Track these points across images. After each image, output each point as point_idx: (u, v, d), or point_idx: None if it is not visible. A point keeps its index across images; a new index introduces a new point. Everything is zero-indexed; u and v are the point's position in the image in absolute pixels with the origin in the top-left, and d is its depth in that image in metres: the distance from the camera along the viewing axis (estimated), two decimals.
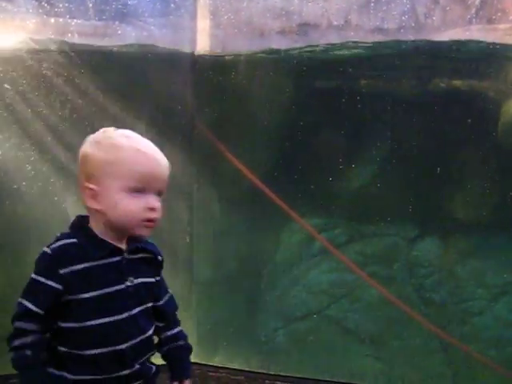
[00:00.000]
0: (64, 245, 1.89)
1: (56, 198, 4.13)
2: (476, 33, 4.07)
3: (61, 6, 4.13)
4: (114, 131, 1.97)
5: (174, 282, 4.57)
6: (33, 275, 1.89)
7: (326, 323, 4.59)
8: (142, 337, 1.98)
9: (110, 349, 1.90)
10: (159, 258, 2.10)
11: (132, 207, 1.90)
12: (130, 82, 4.27)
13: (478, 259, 4.36)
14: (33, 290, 1.89)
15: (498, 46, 4.03)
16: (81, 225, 1.96)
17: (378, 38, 4.17)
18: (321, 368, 4.44)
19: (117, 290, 1.91)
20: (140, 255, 2.01)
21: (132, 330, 1.96)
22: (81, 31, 4.19)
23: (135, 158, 1.90)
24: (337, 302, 4.58)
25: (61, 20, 4.15)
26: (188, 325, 4.52)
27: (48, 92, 4.10)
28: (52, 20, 4.13)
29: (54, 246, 1.89)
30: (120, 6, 4.26)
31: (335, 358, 4.48)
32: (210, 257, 4.65)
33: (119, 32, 4.28)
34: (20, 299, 1.91)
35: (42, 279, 1.87)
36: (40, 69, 4.09)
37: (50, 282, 1.86)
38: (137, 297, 1.98)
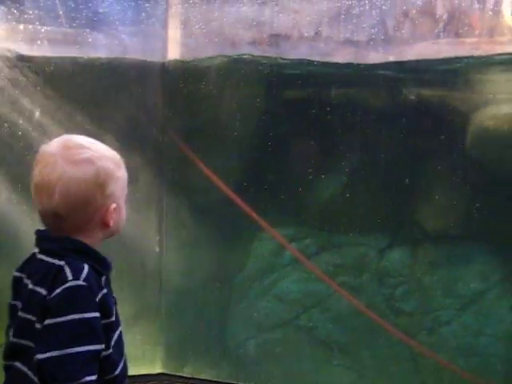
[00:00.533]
0: (89, 272, 1.72)
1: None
2: (444, 46, 4.14)
3: (31, 12, 4.09)
4: (87, 139, 1.85)
5: (142, 291, 4.58)
6: (76, 316, 1.64)
7: (297, 333, 4.58)
8: None
9: (123, 361, 1.83)
10: None
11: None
12: (99, 91, 4.25)
13: (447, 269, 4.40)
14: (89, 330, 1.65)
15: (465, 60, 4.10)
16: (81, 247, 1.80)
17: (349, 49, 4.21)
18: (291, 378, 4.43)
19: (115, 302, 1.84)
20: None
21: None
22: (51, 38, 4.15)
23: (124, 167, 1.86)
24: (307, 311, 4.58)
25: (30, 27, 4.11)
26: (157, 335, 4.49)
27: (16, 99, 4.06)
28: (21, 26, 4.09)
29: (82, 276, 1.69)
30: (91, 14, 4.23)
31: (305, 368, 4.48)
32: (180, 266, 4.62)
33: (90, 40, 4.25)
34: (69, 350, 1.61)
35: (93, 314, 1.67)
36: (8, 76, 4.04)
37: (97, 314, 1.68)
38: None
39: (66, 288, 1.67)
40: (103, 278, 1.80)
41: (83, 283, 1.68)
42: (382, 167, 4.37)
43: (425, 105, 4.35)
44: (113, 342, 1.76)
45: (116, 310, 1.85)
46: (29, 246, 1.87)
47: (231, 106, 4.48)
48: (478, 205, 4.25)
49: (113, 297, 1.87)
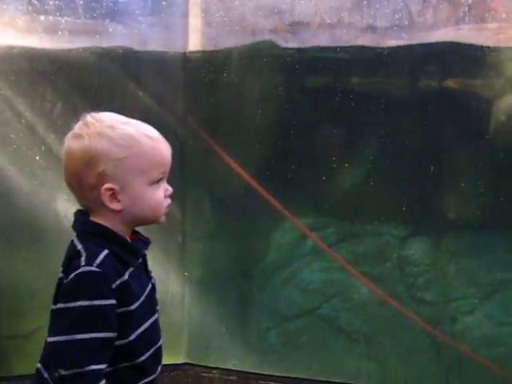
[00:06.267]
0: (106, 257, 1.69)
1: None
2: (467, 32, 4.09)
3: (51, 3, 4.09)
4: (103, 117, 1.79)
5: (165, 281, 4.59)
6: (85, 302, 1.61)
7: (318, 323, 4.57)
8: None
9: (152, 349, 1.82)
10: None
11: (158, 198, 1.78)
12: (120, 81, 4.25)
13: (470, 258, 4.36)
14: (97, 318, 1.62)
15: (489, 47, 4.04)
16: (102, 231, 1.76)
17: (371, 36, 4.17)
18: (314, 368, 4.43)
19: (149, 290, 1.83)
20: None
21: (159, 324, 1.92)
22: (71, 29, 4.15)
23: (152, 149, 1.78)
24: (329, 301, 4.56)
25: (51, 18, 4.11)
26: (180, 324, 4.51)
27: (37, 91, 4.07)
28: (42, 18, 4.09)
29: (96, 261, 1.67)
30: (111, 4, 4.22)
31: (328, 358, 4.47)
32: (202, 256, 4.63)
33: (110, 30, 4.25)
34: (76, 336, 1.58)
35: (104, 301, 1.64)
36: (29, 67, 4.05)
37: (111, 301, 1.65)
38: (156, 290, 1.92)
39: (78, 274, 1.65)
40: (138, 262, 1.79)
41: (96, 269, 1.65)
42: (406, 155, 4.33)
43: (448, 92, 4.30)
44: (139, 331, 1.74)
45: (152, 296, 1.84)
46: None
47: (253, 95, 4.46)
48: (502, 193, 4.21)
49: (152, 283, 1.87)
